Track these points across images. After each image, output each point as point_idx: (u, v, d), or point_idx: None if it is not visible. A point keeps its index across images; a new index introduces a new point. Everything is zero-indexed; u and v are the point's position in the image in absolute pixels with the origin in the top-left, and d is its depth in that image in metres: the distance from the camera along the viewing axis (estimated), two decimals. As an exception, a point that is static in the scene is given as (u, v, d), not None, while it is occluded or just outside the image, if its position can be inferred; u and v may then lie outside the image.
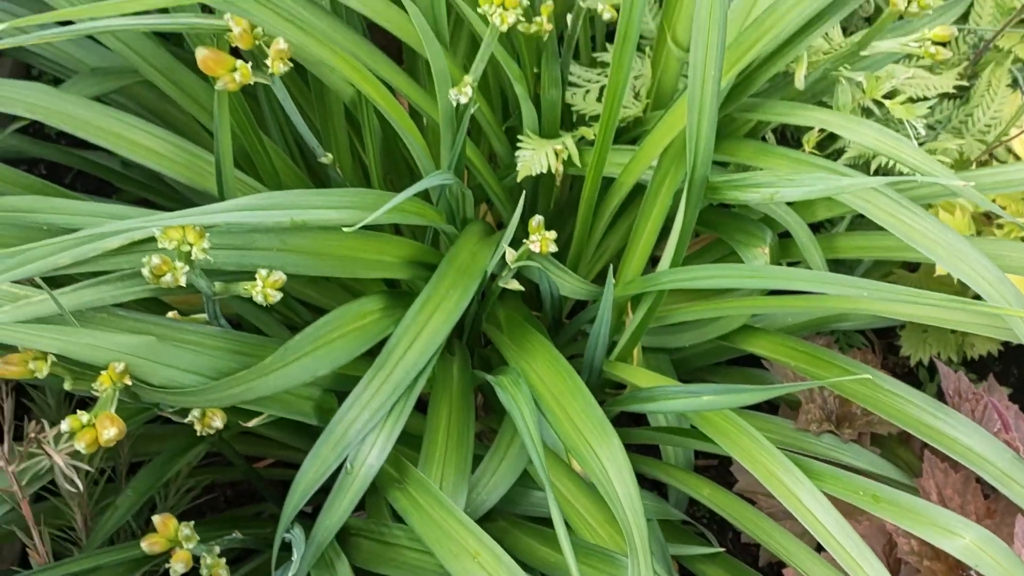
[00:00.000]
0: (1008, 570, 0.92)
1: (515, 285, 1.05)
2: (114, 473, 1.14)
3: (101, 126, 1.03)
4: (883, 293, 0.93)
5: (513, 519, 1.07)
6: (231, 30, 0.88)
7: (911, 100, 1.17)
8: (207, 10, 0.97)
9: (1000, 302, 0.97)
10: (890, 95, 1.11)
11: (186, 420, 0.89)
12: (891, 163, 1.17)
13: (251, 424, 0.94)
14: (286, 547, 1.00)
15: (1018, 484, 1.02)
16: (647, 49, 1.23)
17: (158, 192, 1.32)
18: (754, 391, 0.94)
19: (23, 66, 1.53)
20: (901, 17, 1.11)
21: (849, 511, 1.03)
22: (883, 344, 1.46)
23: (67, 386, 0.81)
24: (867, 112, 1.17)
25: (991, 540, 0.94)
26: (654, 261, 1.13)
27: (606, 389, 1.26)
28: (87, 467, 0.94)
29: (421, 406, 1.18)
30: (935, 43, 0.99)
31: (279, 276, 0.86)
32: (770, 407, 1.23)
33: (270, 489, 1.18)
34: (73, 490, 0.95)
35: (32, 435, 0.89)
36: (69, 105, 1.02)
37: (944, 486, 1.12)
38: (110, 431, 0.76)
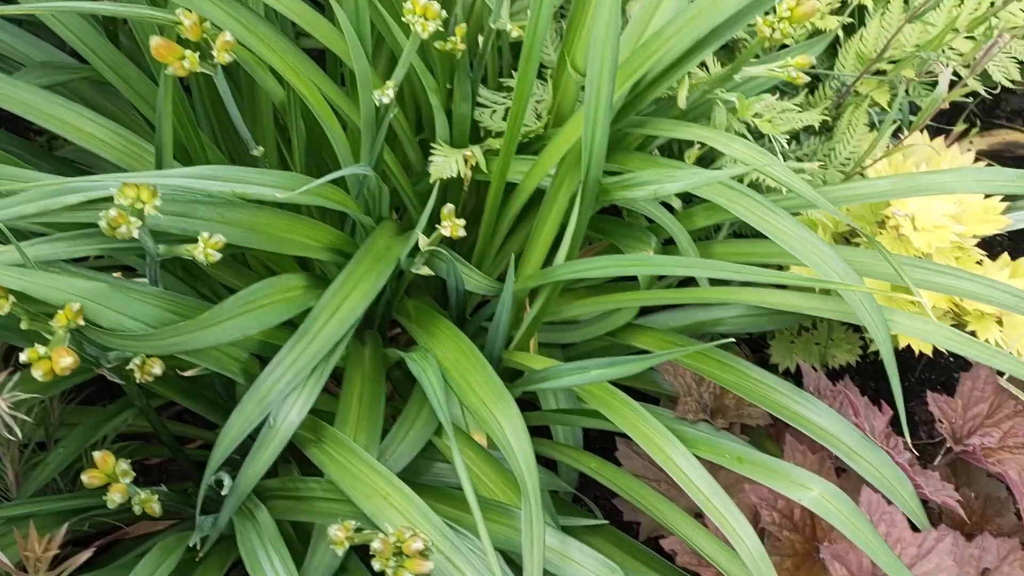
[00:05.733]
0: (851, 519, 1.06)
1: (426, 271, 1.16)
2: (41, 445, 1.21)
3: (50, 112, 1.12)
4: (749, 274, 1.07)
5: (418, 485, 1.17)
6: (181, 22, 0.99)
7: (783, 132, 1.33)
8: (155, 4, 1.07)
9: (847, 290, 1.12)
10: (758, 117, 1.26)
11: (127, 367, 0.97)
12: (762, 180, 1.32)
13: (188, 373, 1.02)
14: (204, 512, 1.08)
15: (864, 460, 1.17)
16: (549, 76, 1.37)
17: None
18: (638, 360, 1.06)
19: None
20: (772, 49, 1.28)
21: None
22: (756, 358, 1.60)
23: (23, 326, 0.89)
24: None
25: (837, 494, 1.07)
26: (551, 263, 1.26)
27: (505, 382, 1.37)
28: (26, 417, 1.02)
29: (333, 391, 1.28)
30: (797, 69, 1.14)
31: (219, 238, 0.96)
32: (653, 401, 1.36)
33: (192, 467, 1.25)
34: (11, 438, 1.03)
35: (-19, 379, 0.97)
36: (21, 91, 1.11)
37: (802, 466, 1.25)
38: (66, 360, 0.85)
